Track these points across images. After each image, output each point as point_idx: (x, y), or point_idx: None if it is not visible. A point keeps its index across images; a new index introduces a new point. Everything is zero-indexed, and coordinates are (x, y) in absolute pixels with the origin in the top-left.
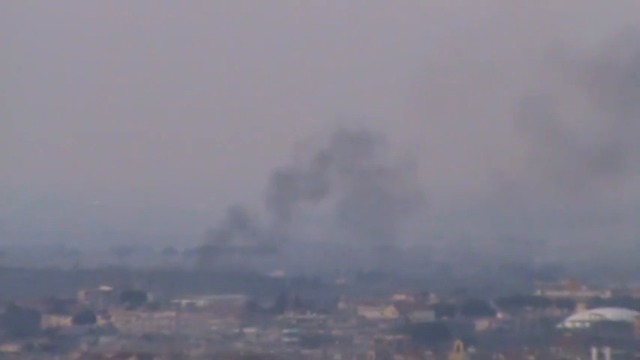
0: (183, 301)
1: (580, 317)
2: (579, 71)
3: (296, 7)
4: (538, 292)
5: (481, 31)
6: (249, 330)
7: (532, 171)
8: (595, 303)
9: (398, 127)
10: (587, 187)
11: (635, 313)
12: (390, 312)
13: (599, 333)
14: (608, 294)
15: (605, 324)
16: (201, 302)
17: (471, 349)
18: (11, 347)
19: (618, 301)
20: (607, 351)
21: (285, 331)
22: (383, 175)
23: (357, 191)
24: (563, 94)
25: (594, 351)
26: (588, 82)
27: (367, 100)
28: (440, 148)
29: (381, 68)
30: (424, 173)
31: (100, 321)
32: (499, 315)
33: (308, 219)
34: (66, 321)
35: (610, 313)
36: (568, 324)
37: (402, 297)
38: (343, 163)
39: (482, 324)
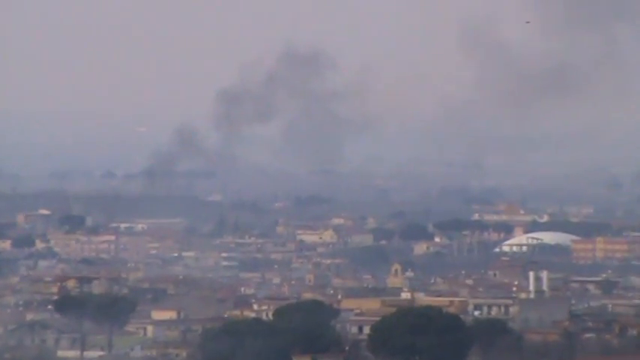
0: (122, 225)
1: (518, 241)
2: None
3: None
4: (476, 216)
5: None
6: (188, 254)
7: (477, 94)
8: (533, 227)
9: (348, 49)
10: (531, 110)
11: (573, 237)
12: (328, 236)
13: (537, 257)
14: (545, 218)
15: (543, 248)
16: (140, 226)
17: (409, 273)
18: None
19: (556, 225)
20: (544, 274)
21: (224, 254)
22: (331, 98)
23: (304, 114)
24: (508, 16)
25: (531, 274)
26: (533, 4)
27: (317, 21)
28: (388, 72)
29: None
30: (372, 97)
31: (39, 245)
32: (437, 239)
33: (254, 142)
34: (5, 244)
35: (547, 237)
36: (506, 248)
37: (341, 221)
38: (291, 84)
39: (420, 248)
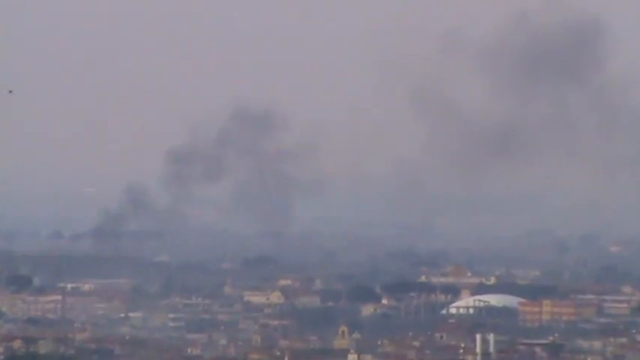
0: (69, 285)
1: (465, 303)
2: (476, 56)
3: None
4: (423, 278)
5: (381, 19)
6: (135, 314)
7: (427, 155)
8: (480, 289)
9: (298, 109)
10: (480, 171)
11: (519, 299)
12: (275, 297)
13: (484, 319)
14: (492, 280)
15: (490, 310)
16: (87, 286)
17: (356, 335)
18: None
19: (503, 287)
20: (491, 337)
21: (171, 315)
22: (282, 157)
23: (255, 174)
24: (461, 79)
25: (478, 337)
26: (485, 67)
27: (268, 80)
28: (340, 131)
29: (283, 49)
30: (323, 157)
31: None
32: (384, 301)
33: (203, 202)
34: None
35: (494, 300)
36: (453, 310)
37: (288, 282)
38: (241, 144)
39: (367, 309)
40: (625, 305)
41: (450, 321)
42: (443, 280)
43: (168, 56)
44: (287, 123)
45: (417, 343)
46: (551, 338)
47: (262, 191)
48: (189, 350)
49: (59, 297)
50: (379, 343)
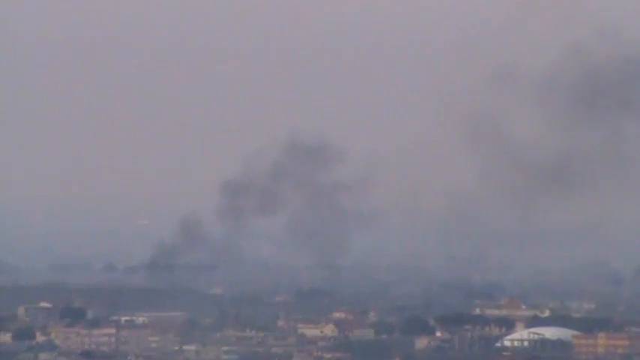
0: (123, 318)
1: (519, 336)
2: (530, 88)
3: (247, 8)
4: (477, 311)
5: (435, 52)
6: (189, 347)
7: (481, 187)
8: (534, 322)
9: (354, 140)
10: (534, 204)
11: (574, 332)
12: (329, 330)
13: (538, 352)
14: (547, 313)
15: (544, 343)
16: (140, 319)
17: None
18: None
19: (557, 320)
20: None
21: (225, 348)
22: (337, 189)
23: (309, 206)
24: (515, 111)
25: None
26: (539, 99)
27: (323, 112)
28: (394, 163)
29: (339, 81)
30: (378, 189)
31: (40, 337)
32: (438, 333)
33: (258, 234)
34: (5, 337)
35: (549, 332)
36: (507, 343)
37: (342, 315)
38: (296, 176)
39: (421, 342)
40: None
41: (504, 354)
42: (497, 312)
43: (223, 88)
44: (342, 155)
45: None
46: None
47: (317, 223)
48: None
49: (113, 330)
50: None
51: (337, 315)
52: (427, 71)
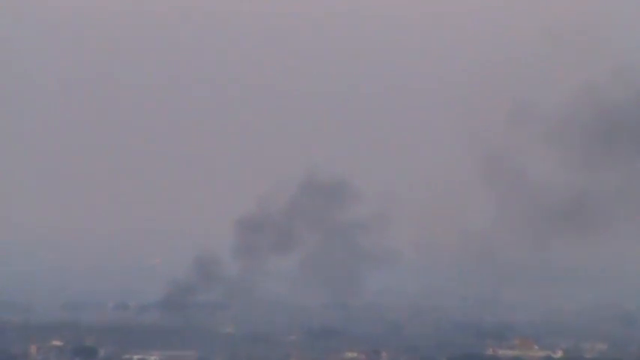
0: (135, 357)
1: None
2: (545, 127)
3: (263, 44)
4: (490, 351)
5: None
6: None
7: (498, 227)
8: None
9: (369, 179)
10: (550, 244)
11: None
12: None
13: None
14: (560, 354)
15: None
16: (152, 358)
17: None
18: None
19: None
20: None
21: None
22: (352, 228)
23: (324, 245)
24: (531, 151)
25: None
26: (554, 139)
27: (339, 150)
28: (410, 203)
29: (356, 120)
30: (394, 228)
31: None
32: None
33: (272, 273)
34: None
35: None
36: None
37: (354, 354)
38: (312, 214)
39: None
40: None
41: None
42: (510, 352)
43: (239, 124)
44: (358, 193)
45: None
46: None
47: (331, 262)
48: None
49: None
50: None
51: (349, 354)
52: (443, 110)
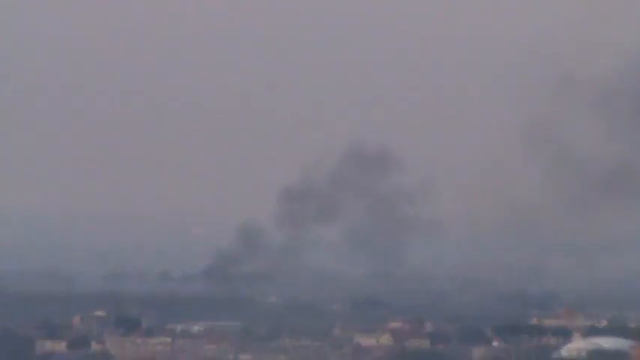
0: (178, 327)
1: (576, 346)
2: (591, 98)
3: (309, 19)
4: (534, 321)
5: (495, 56)
6: (245, 356)
7: (543, 196)
8: (591, 332)
9: (413, 149)
10: (593, 212)
11: (631, 342)
12: (385, 339)
13: None
14: (604, 323)
15: (602, 353)
16: (196, 328)
17: None
18: None
19: (615, 330)
20: None
21: (281, 357)
22: (396, 198)
23: (368, 215)
24: (576, 121)
25: None
26: (599, 109)
27: (383, 120)
28: (455, 172)
29: (400, 89)
30: (438, 199)
31: (95, 346)
32: (495, 343)
33: (316, 243)
34: (60, 346)
35: (606, 343)
36: (564, 353)
37: (398, 324)
38: (356, 184)
39: (478, 352)
40: None
41: None
42: (554, 322)
43: (284, 95)
44: (402, 163)
45: None
46: None
47: (375, 232)
48: None
49: (169, 339)
50: None
51: (393, 324)
52: (489, 80)
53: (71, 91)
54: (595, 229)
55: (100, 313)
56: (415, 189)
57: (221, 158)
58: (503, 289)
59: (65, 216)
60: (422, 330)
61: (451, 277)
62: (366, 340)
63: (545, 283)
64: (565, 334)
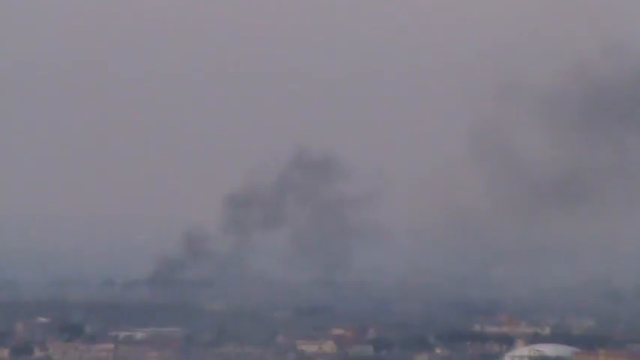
0: (121, 334)
1: (519, 353)
2: (535, 105)
3: (255, 25)
4: (477, 328)
5: (441, 69)
6: None
7: (487, 204)
8: (534, 339)
9: (358, 156)
10: (538, 220)
11: (574, 349)
12: (328, 347)
13: None
14: (547, 330)
15: None
16: (139, 335)
17: None
18: None
19: (557, 337)
20: None
21: None
22: (341, 205)
23: (313, 221)
24: (520, 128)
25: None
26: (544, 116)
27: (328, 127)
28: (399, 180)
29: (346, 97)
30: (383, 205)
31: (38, 353)
32: (438, 350)
33: (260, 249)
34: (3, 353)
35: (549, 350)
36: None
37: (341, 331)
38: (301, 190)
39: (421, 359)
40: None
41: None
42: (497, 329)
43: (227, 99)
44: (347, 170)
45: None
46: None
47: (320, 239)
48: None
49: (111, 345)
50: None
51: (336, 331)
52: (433, 88)
53: None
54: (539, 237)
55: (43, 319)
56: (360, 195)
57: (165, 164)
58: (446, 296)
59: (6, 222)
60: (365, 337)
61: (395, 284)
62: (310, 347)
63: (489, 290)
64: (508, 342)
